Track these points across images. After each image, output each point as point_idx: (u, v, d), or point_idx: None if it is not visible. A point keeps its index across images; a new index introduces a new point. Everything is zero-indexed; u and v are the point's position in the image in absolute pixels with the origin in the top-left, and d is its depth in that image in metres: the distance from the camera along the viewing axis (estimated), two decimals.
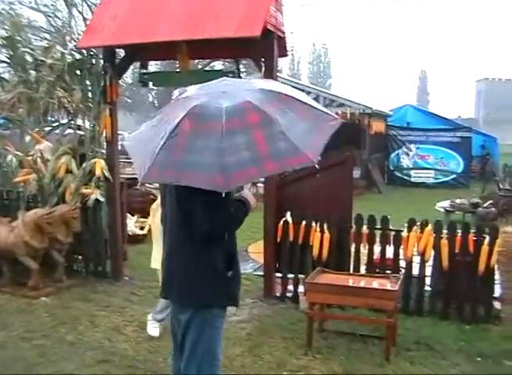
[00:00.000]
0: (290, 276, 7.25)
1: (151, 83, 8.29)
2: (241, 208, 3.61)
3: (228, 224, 3.53)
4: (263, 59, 7.06)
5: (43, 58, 8.21)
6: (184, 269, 3.58)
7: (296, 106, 3.20)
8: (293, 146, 2.92)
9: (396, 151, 23.68)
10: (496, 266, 6.44)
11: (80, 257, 8.51)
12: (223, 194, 3.18)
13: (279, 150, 2.92)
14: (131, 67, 10.03)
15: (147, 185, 13.13)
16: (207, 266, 3.51)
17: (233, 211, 3.54)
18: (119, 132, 8.44)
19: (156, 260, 5.63)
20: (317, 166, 3.00)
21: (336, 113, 17.50)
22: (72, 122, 8.68)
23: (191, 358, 3.63)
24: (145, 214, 10.96)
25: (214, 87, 3.29)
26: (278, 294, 7.28)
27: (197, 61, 20.64)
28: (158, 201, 4.89)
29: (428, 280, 6.73)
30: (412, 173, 23.49)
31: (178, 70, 7.74)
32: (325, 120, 3.24)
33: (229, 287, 3.62)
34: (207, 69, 22.05)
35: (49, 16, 20.55)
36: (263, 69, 7.00)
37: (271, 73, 6.92)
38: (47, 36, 14.45)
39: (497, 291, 6.58)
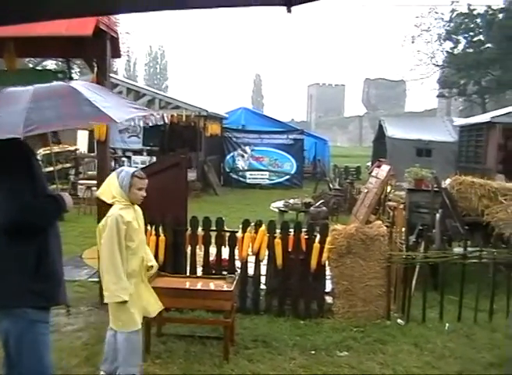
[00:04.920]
0: None
1: None
2: (52, 204, 3.56)
3: (32, 216, 3.42)
4: (95, 60, 6.88)
5: None
6: None
7: (106, 92, 4.15)
8: (97, 109, 3.46)
9: (232, 153, 24.08)
10: (326, 263, 6.73)
11: None
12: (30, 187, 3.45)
13: (83, 111, 3.50)
14: None
15: None
16: (11, 265, 3.39)
17: (41, 204, 3.51)
18: None
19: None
20: (119, 123, 3.99)
21: (172, 115, 17.36)
22: None
23: (18, 370, 3.49)
24: None
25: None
26: None
27: (27, 59, 19.78)
28: (105, 220, 4.59)
29: (263, 279, 6.90)
30: (247, 174, 23.99)
31: (5, 69, 7.31)
32: (133, 107, 4.08)
33: (38, 285, 3.46)
34: (38, 68, 21.18)
35: None
36: (95, 69, 6.81)
37: (104, 74, 6.76)
38: None
39: (328, 286, 6.87)
